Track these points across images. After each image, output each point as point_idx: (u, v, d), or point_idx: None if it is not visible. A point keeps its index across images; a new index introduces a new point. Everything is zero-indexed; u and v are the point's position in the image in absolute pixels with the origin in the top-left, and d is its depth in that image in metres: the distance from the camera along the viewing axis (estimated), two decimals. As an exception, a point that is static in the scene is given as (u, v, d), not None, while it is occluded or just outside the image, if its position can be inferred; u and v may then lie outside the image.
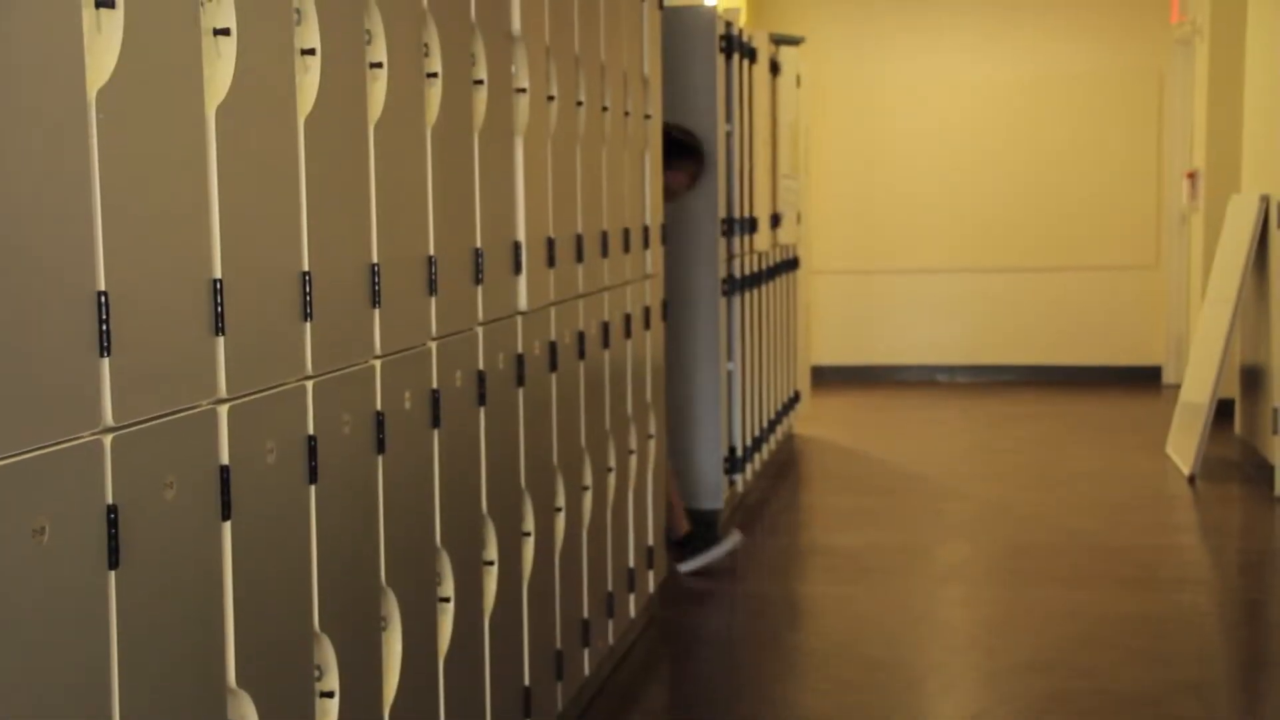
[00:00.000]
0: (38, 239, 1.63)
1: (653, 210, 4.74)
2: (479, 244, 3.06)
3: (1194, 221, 9.31)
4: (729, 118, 6.17)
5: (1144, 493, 6.90)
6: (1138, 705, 4.05)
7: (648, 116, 4.68)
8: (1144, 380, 10.27)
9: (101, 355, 1.74)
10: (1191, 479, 6.96)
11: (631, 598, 4.48)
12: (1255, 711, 4.14)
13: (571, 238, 3.77)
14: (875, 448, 8.06)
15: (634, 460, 4.50)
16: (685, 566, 5.43)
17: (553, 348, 3.60)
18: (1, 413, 1.56)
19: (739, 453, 6.33)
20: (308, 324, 2.26)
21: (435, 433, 2.80)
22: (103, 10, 1.75)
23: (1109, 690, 4.16)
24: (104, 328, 1.73)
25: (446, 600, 2.88)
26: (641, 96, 4.59)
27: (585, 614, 3.94)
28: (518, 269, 3.34)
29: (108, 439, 1.75)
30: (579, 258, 3.84)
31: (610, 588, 4.21)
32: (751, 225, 6.52)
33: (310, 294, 2.26)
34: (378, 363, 2.54)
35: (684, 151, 5.65)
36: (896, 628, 4.89)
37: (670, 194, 5.68)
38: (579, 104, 3.84)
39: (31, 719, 1.61)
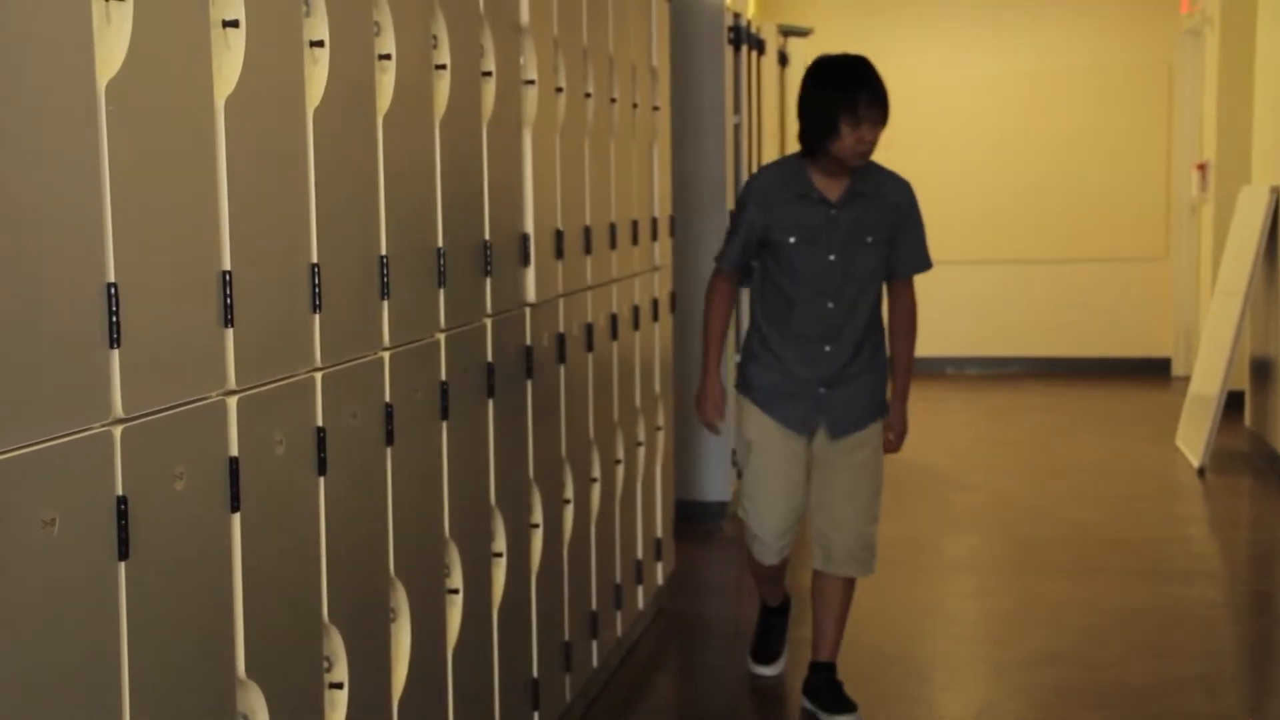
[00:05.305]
0: (48, 231, 1.63)
1: (661, 202, 4.73)
2: (487, 236, 3.06)
3: (1204, 213, 9.28)
4: (737, 109, 6.15)
5: (1153, 485, 6.88)
6: (1146, 698, 4.05)
7: (656, 108, 4.67)
8: (1153, 372, 10.25)
9: (111, 347, 1.74)
10: (1201, 471, 6.95)
11: (640, 590, 4.49)
12: (1263, 705, 4.14)
13: (580, 230, 3.77)
14: (884, 440, 8.05)
15: (642, 452, 4.50)
16: (760, 669, 4.34)
17: (561, 340, 3.60)
18: (12, 404, 1.57)
19: (747, 444, 6.31)
20: (317, 316, 2.26)
21: (444, 424, 2.80)
22: (112, 2, 1.75)
23: (1117, 683, 4.16)
24: (114, 319, 1.73)
25: (455, 592, 2.88)
26: (649, 88, 4.59)
27: (594, 606, 3.95)
28: (526, 261, 3.34)
29: (117, 430, 1.75)
30: (587, 250, 3.84)
31: (619, 579, 4.21)
32: (760, 217, 6.50)
33: (319, 286, 2.26)
34: (386, 354, 2.54)
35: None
36: (905, 620, 4.88)
37: None
38: (587, 96, 3.84)
39: (42, 709, 1.62)
